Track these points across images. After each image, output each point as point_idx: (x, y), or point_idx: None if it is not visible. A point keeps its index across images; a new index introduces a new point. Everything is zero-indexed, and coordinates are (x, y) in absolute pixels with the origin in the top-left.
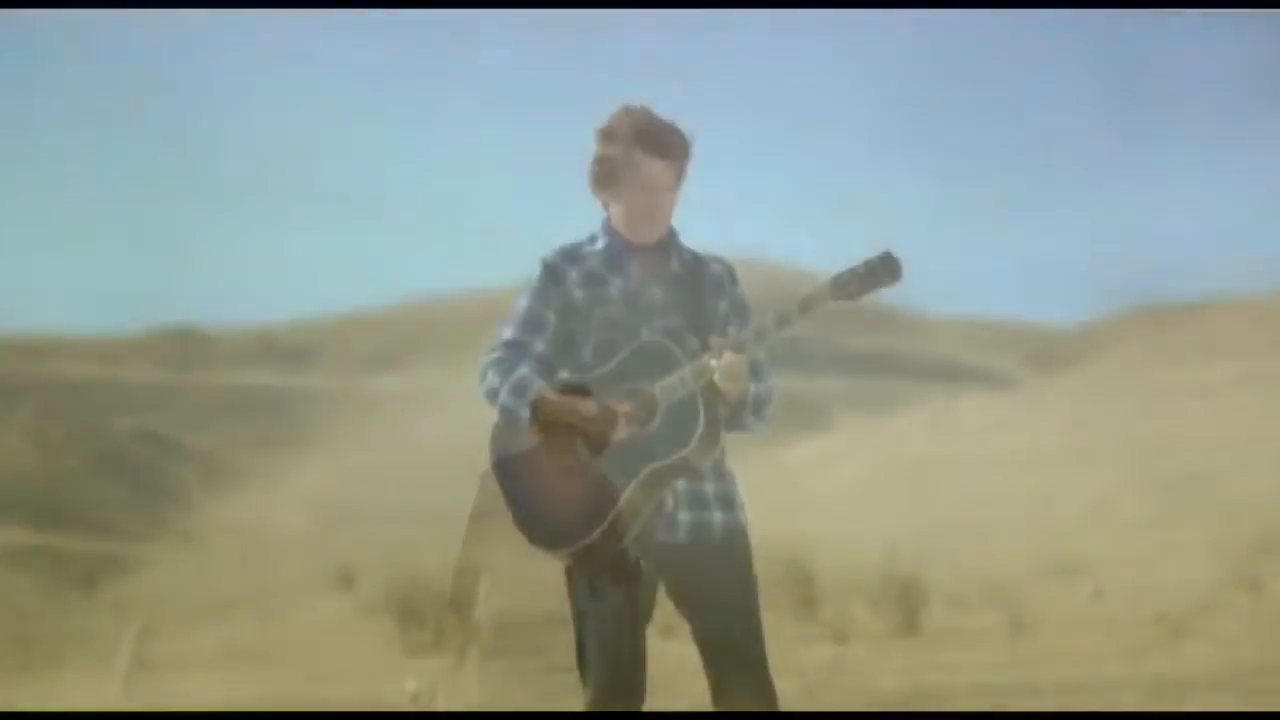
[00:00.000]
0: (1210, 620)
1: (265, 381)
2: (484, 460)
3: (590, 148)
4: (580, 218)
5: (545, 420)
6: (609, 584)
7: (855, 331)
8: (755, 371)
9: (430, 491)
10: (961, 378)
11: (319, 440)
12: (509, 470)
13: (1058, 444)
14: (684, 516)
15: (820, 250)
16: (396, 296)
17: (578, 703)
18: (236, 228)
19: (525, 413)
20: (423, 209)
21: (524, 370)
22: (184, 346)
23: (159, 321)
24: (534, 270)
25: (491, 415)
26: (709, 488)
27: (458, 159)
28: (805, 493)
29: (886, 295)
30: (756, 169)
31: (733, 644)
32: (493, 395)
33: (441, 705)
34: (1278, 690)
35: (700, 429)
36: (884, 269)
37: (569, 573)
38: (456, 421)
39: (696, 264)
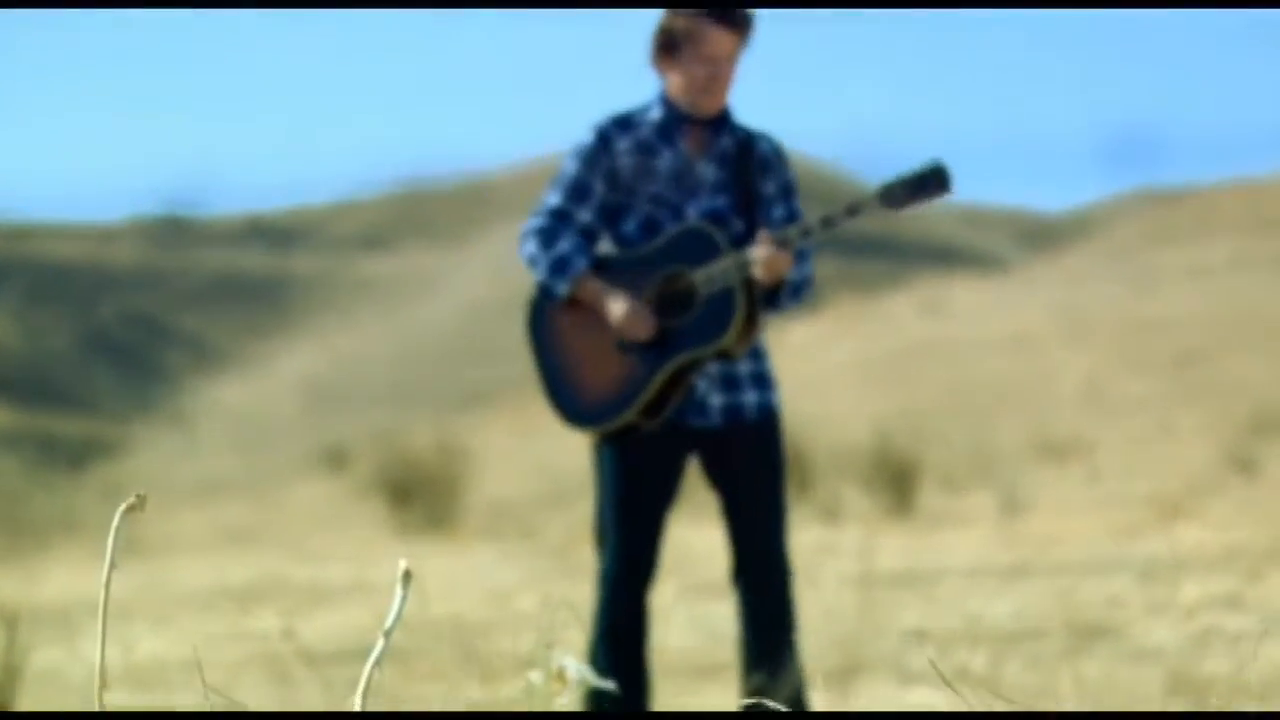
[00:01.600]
0: (1205, 501)
1: (254, 264)
2: (492, 336)
3: (580, 34)
4: (569, 101)
5: (581, 300)
6: (637, 462)
7: None
8: (799, 258)
9: (421, 373)
10: (955, 260)
11: (309, 322)
12: (542, 343)
13: (1051, 326)
14: (716, 400)
15: (817, 136)
16: (386, 181)
17: (568, 585)
18: (224, 112)
19: (564, 290)
20: (414, 90)
21: (566, 246)
22: (172, 230)
23: (146, 206)
24: (580, 138)
25: (480, 296)
26: (743, 368)
27: (449, 40)
28: (798, 374)
29: (876, 175)
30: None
31: (757, 523)
32: (532, 264)
33: (433, 586)
34: (1273, 572)
35: (738, 319)
36: (934, 180)
37: (596, 446)
38: (447, 304)
39: (748, 142)
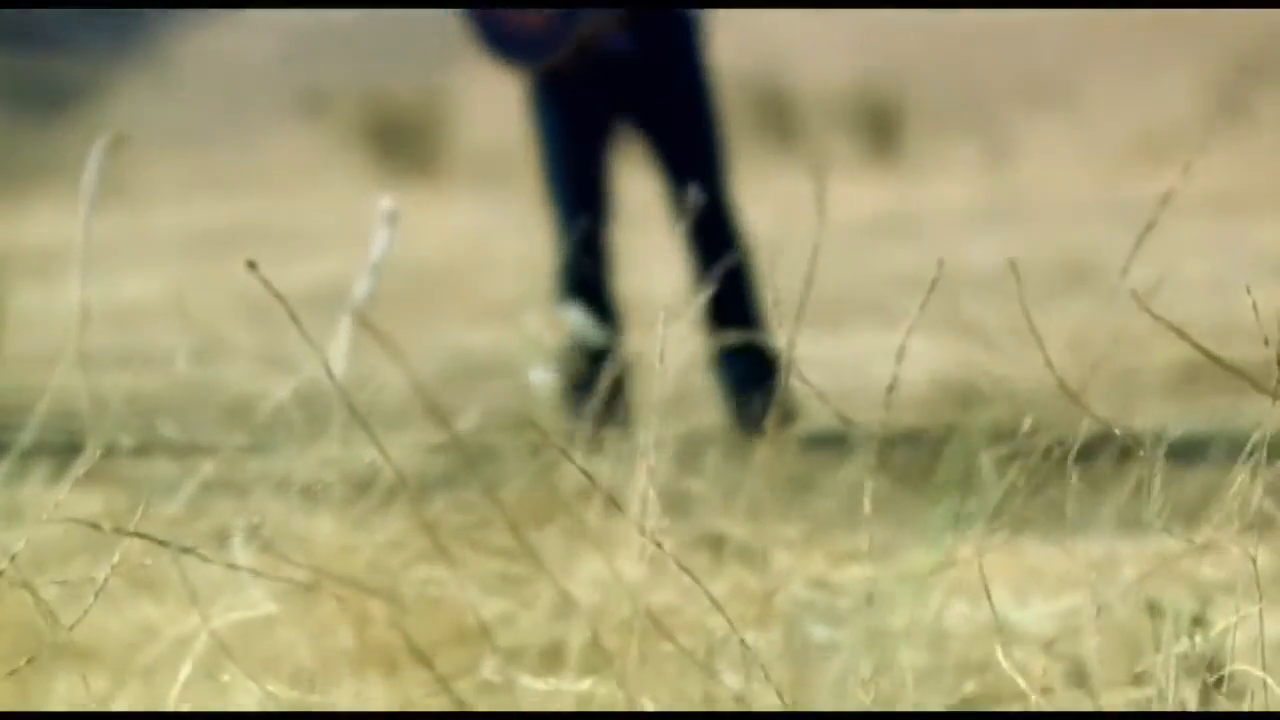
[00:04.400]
0: (1192, 144)
1: None
2: None
3: None
4: None
5: None
6: (573, 100)
7: None
8: None
9: (405, 17)
10: None
11: None
12: None
13: None
14: (644, 23)
15: None
16: None
17: (547, 234)
18: None
19: None
20: None
21: None
22: None
23: None
24: None
25: None
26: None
27: None
28: (775, 18)
29: None
30: None
31: (690, 158)
32: None
33: (416, 230)
34: (1256, 213)
35: None
36: None
37: (528, 97)
38: None
39: None
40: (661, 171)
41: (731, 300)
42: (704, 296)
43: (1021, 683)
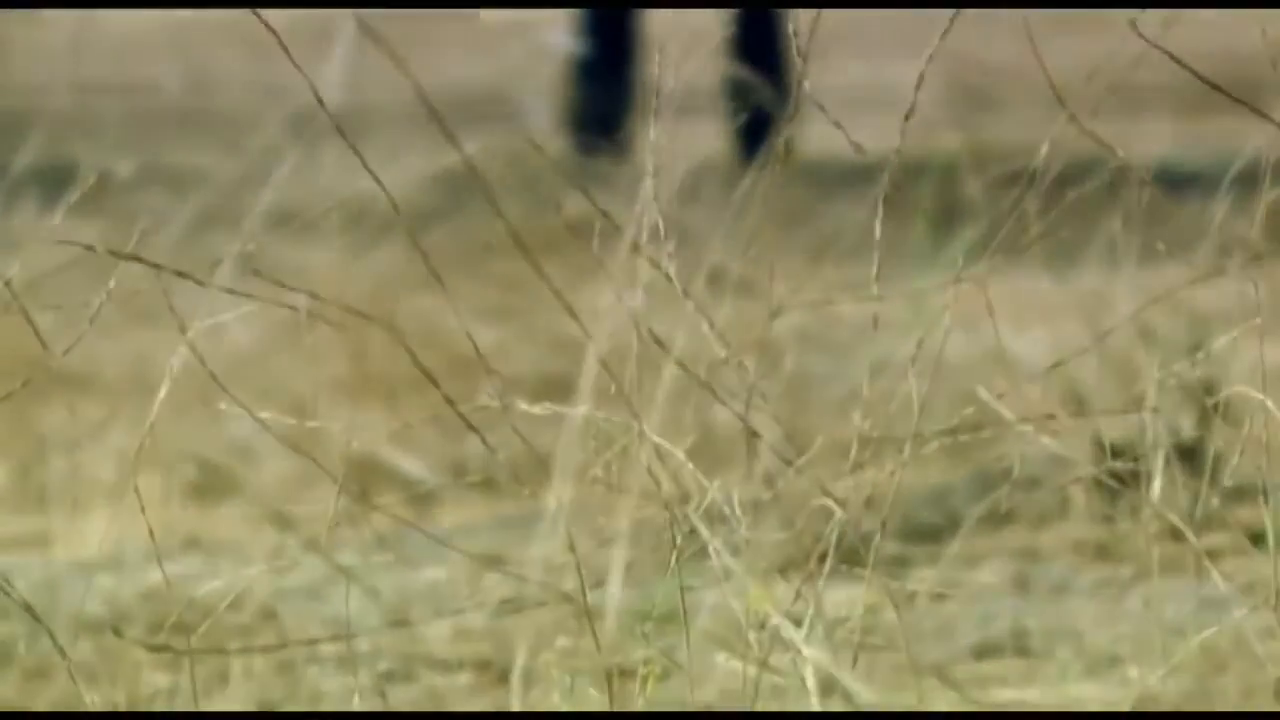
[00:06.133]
0: None
1: None
2: None
3: None
4: None
5: None
6: None
7: None
8: None
9: None
10: None
11: None
12: None
13: None
14: None
15: None
16: None
17: None
18: None
19: None
20: None
21: None
22: None
23: None
24: None
25: None
26: None
27: None
28: None
29: None
30: None
31: None
32: None
33: None
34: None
35: None
36: None
37: None
38: None
39: None
40: None
41: (759, 30)
42: (732, 26)
43: (1005, 413)
